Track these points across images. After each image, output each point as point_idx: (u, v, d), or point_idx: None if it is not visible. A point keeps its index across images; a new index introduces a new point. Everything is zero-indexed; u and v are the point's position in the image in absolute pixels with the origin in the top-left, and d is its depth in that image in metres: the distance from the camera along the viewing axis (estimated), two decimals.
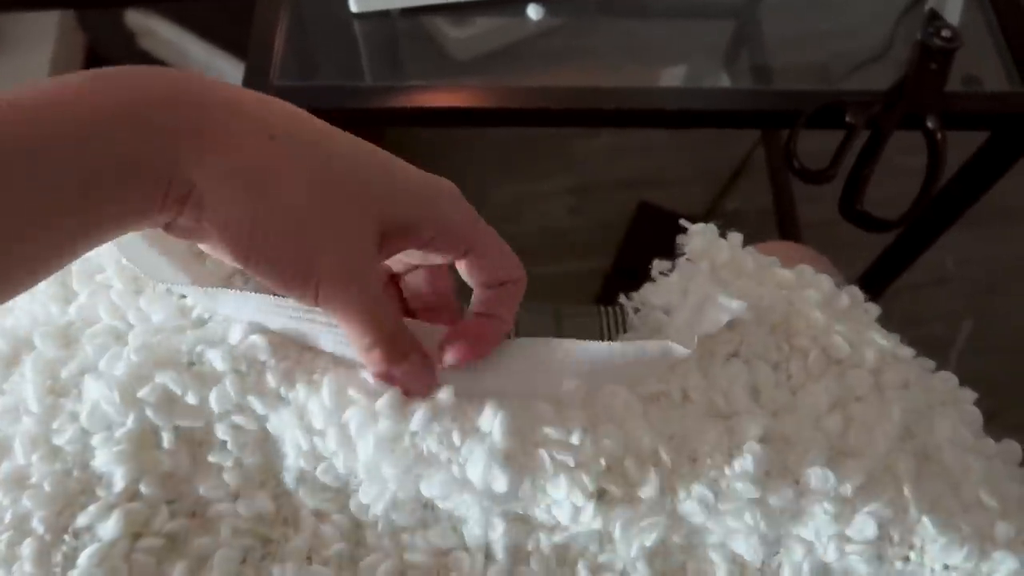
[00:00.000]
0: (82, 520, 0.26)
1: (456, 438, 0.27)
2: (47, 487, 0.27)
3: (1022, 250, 1.13)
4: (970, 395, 0.34)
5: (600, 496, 0.28)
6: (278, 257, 0.24)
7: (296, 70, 0.56)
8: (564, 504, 0.28)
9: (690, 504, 0.28)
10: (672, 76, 0.64)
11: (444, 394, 0.28)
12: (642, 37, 0.64)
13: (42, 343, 0.30)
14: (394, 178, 0.26)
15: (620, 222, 1.08)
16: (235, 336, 0.29)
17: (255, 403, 0.28)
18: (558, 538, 0.29)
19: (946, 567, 0.29)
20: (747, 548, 0.29)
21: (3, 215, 0.20)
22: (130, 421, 0.28)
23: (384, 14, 0.62)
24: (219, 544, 0.27)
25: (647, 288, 0.36)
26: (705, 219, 0.38)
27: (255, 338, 0.29)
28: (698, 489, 0.28)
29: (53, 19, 1.02)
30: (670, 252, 0.37)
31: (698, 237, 0.36)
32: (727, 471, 0.29)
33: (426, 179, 0.27)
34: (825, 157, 0.50)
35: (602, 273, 1.06)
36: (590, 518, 0.28)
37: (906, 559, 0.29)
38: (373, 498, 0.29)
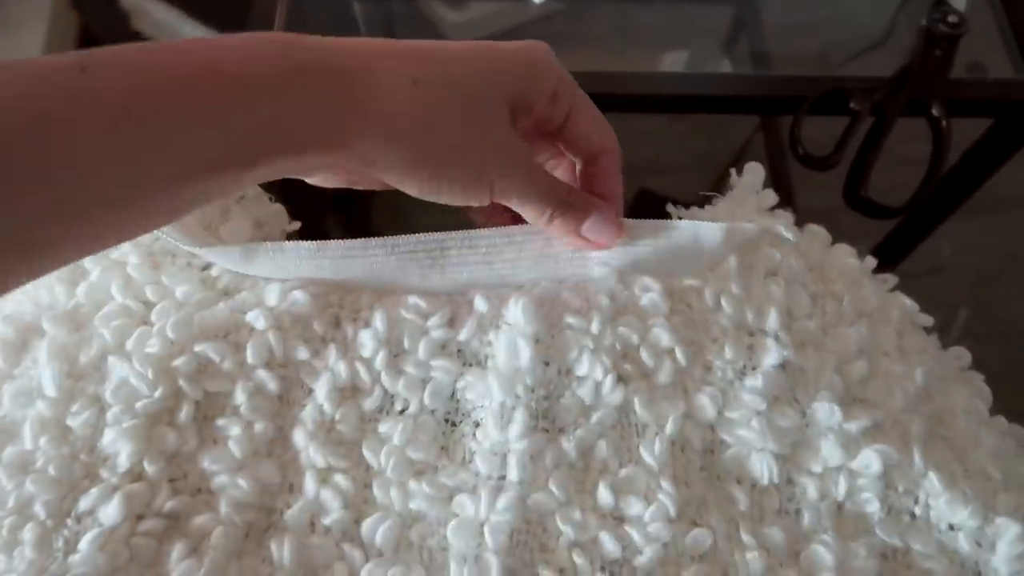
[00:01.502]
0: (84, 504, 0.26)
1: (492, 336, 0.31)
2: (52, 471, 0.27)
3: (1018, 239, 1.13)
4: (978, 375, 0.34)
5: (619, 379, 0.30)
6: (454, 180, 0.27)
7: None
8: (587, 382, 0.30)
9: (702, 397, 0.30)
10: (672, 61, 0.64)
11: (480, 304, 0.31)
12: (642, 22, 0.63)
13: (53, 328, 0.30)
14: (502, 63, 0.28)
15: None
16: (272, 298, 0.30)
17: (299, 350, 0.30)
18: (581, 431, 0.29)
19: (951, 527, 0.29)
20: (760, 465, 0.30)
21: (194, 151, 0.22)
22: (158, 393, 0.28)
23: None
24: (220, 520, 0.27)
25: (694, 210, 0.36)
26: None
27: (296, 294, 0.30)
28: (709, 390, 0.30)
29: None
30: None
31: (751, 174, 0.37)
32: (737, 384, 0.30)
33: (521, 50, 0.29)
34: (826, 144, 0.49)
35: None
36: (609, 391, 0.29)
37: (913, 515, 0.30)
38: (392, 426, 0.30)
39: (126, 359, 0.28)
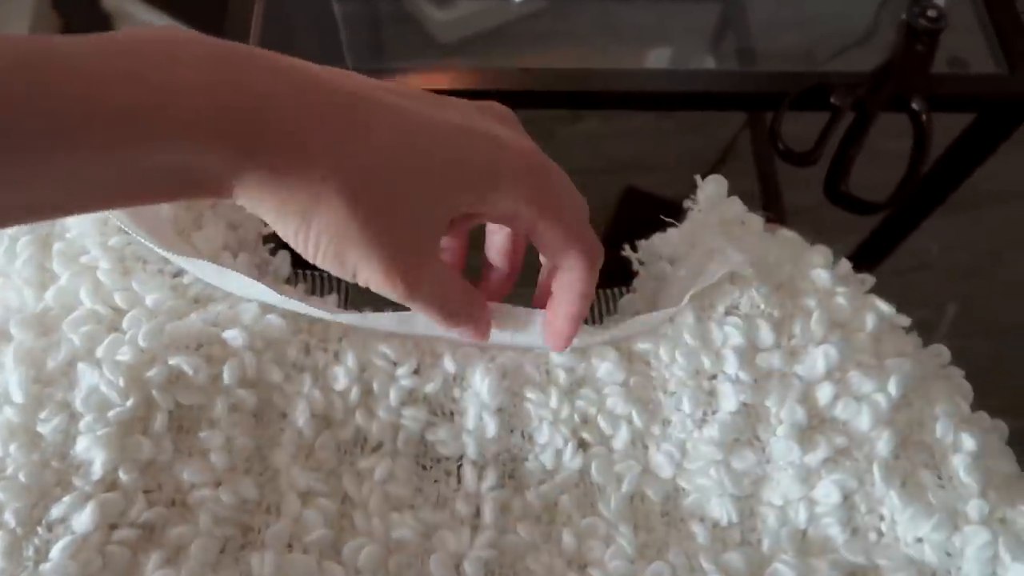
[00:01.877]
0: (56, 512, 0.26)
1: (457, 394, 0.32)
2: (22, 478, 0.26)
3: (1002, 234, 1.14)
4: (959, 371, 0.34)
5: (579, 444, 0.31)
6: (325, 263, 0.25)
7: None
8: (548, 449, 0.31)
9: (659, 457, 0.31)
10: (658, 58, 0.64)
11: (449, 365, 0.32)
12: (628, 19, 0.63)
13: (19, 332, 0.29)
14: (462, 176, 0.26)
15: (605, 207, 1.07)
16: (248, 317, 0.30)
17: (273, 372, 0.30)
18: (545, 487, 0.31)
19: (919, 540, 0.30)
20: (720, 509, 0.31)
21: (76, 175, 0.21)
22: (129, 403, 0.27)
23: None
24: (198, 533, 0.27)
25: (655, 238, 0.36)
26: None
27: (271, 318, 0.30)
28: (666, 447, 0.31)
29: (27, 0, 0.99)
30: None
31: (711, 186, 0.36)
32: (695, 435, 0.31)
33: (498, 169, 0.26)
34: (811, 140, 0.49)
35: None
36: (570, 458, 0.31)
37: (879, 532, 0.30)
38: (372, 462, 0.30)
39: (96, 366, 0.28)
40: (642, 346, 0.32)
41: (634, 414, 0.31)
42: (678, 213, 0.37)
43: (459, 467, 0.31)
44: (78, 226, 0.32)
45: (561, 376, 0.32)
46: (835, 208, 0.51)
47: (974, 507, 0.29)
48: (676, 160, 1.13)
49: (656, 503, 0.31)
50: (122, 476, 0.27)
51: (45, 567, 0.25)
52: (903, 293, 0.37)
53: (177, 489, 0.28)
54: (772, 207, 0.97)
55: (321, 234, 0.24)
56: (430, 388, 0.31)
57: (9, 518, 0.25)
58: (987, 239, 1.12)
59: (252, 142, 0.22)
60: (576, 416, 0.31)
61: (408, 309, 0.29)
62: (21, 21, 0.98)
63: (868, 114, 0.49)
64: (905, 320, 0.34)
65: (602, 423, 0.31)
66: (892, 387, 0.31)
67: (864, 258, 0.78)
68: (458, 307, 0.29)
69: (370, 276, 0.26)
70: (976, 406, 0.34)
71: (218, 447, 0.29)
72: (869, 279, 0.36)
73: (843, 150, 0.49)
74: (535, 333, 0.32)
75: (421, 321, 0.32)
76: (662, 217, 0.37)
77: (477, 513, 0.30)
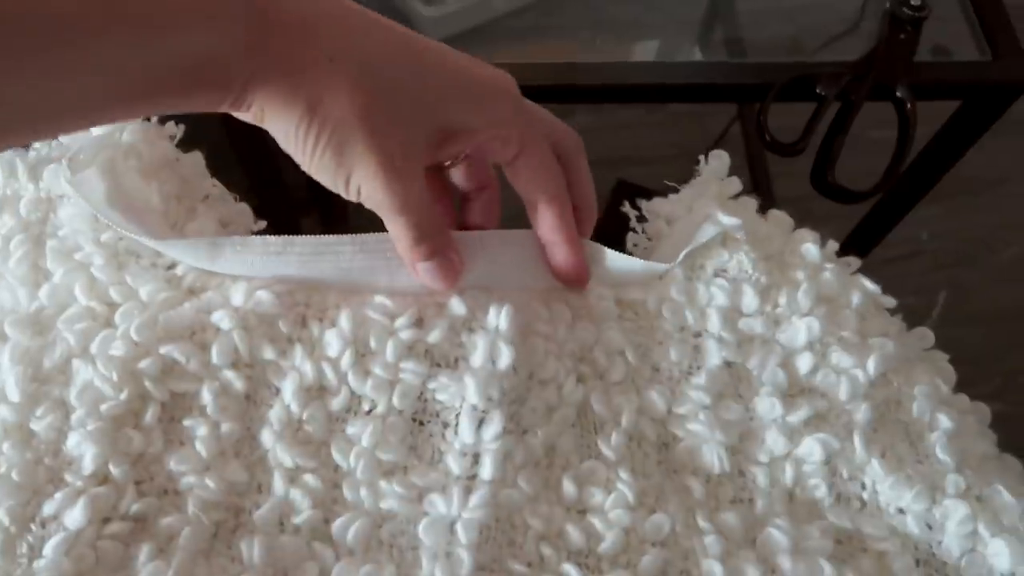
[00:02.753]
0: (48, 509, 0.26)
1: (465, 337, 0.31)
2: (15, 476, 0.26)
3: (990, 221, 1.14)
4: (942, 355, 0.35)
5: (579, 379, 0.32)
6: (324, 165, 0.27)
7: None
8: (551, 385, 0.31)
9: (652, 394, 0.32)
10: (646, 51, 0.64)
11: (457, 307, 0.31)
12: (615, 13, 0.63)
13: (15, 332, 0.29)
14: (455, 83, 0.28)
15: (597, 201, 1.08)
16: (237, 298, 0.30)
17: (266, 349, 0.30)
18: (545, 429, 0.30)
19: (900, 511, 0.30)
20: (711, 455, 0.31)
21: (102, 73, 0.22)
22: (123, 396, 0.28)
23: None
24: (187, 521, 0.27)
25: (655, 200, 0.38)
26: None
27: (261, 293, 0.30)
28: (658, 387, 0.32)
29: None
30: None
31: (716, 161, 0.38)
32: (683, 383, 0.32)
33: (487, 82, 0.29)
34: (801, 131, 0.50)
35: None
36: (571, 391, 0.31)
37: (862, 500, 0.31)
38: (361, 427, 0.29)
39: (90, 362, 0.28)
40: (632, 296, 0.34)
41: (628, 352, 0.32)
42: None
43: (457, 416, 0.30)
44: (70, 223, 0.32)
45: (564, 310, 0.33)
46: (824, 200, 0.51)
47: (951, 483, 0.30)
48: (667, 154, 1.13)
49: (653, 447, 0.31)
50: (112, 469, 0.27)
51: (39, 564, 0.25)
52: (893, 281, 0.37)
53: (168, 478, 0.28)
54: (762, 198, 0.97)
55: (324, 123, 0.26)
56: (433, 337, 0.31)
57: (2, 516, 0.26)
58: (975, 226, 1.13)
59: (262, 29, 0.24)
60: (576, 348, 0.32)
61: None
62: None
63: (853, 103, 0.49)
64: (891, 301, 0.35)
65: (599, 355, 0.32)
66: (871, 365, 0.32)
67: (853, 247, 0.78)
68: (430, 231, 0.30)
69: (364, 178, 0.27)
70: (969, 393, 0.34)
71: (203, 435, 0.28)
72: (855, 261, 0.36)
73: (829, 140, 0.49)
74: (514, 253, 0.33)
75: (390, 251, 0.31)
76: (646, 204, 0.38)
77: (473, 465, 0.29)
